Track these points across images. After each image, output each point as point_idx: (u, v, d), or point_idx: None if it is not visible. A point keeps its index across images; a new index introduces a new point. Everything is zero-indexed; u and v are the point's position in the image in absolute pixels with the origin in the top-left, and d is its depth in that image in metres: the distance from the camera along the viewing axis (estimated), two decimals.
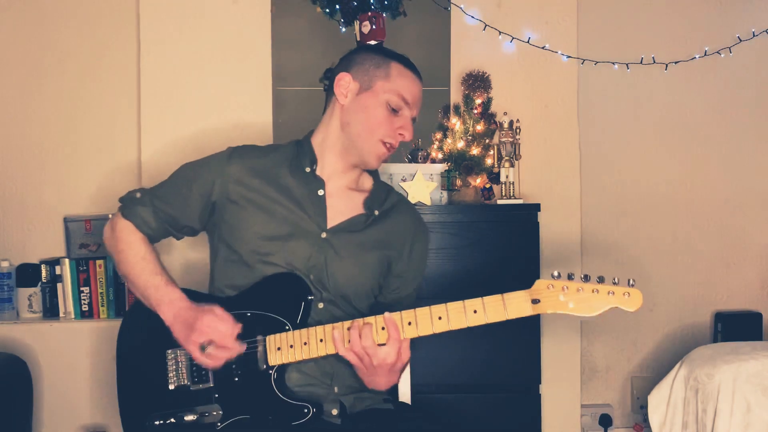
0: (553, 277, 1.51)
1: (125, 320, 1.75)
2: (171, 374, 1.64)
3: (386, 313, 1.54)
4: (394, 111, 1.71)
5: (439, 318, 1.55)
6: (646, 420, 2.96)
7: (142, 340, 1.68)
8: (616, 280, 1.51)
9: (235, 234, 1.69)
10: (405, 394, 1.97)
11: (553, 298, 1.50)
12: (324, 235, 1.70)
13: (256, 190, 1.70)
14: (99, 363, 2.71)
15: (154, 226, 1.74)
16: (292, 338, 1.59)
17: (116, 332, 2.69)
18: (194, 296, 1.70)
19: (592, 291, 1.50)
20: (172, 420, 1.60)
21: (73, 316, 2.77)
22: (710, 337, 3.20)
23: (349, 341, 1.54)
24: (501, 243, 2.55)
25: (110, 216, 1.81)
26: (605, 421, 3.10)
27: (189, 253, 2.68)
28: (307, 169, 1.74)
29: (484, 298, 1.54)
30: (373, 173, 1.84)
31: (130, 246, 1.71)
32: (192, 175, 1.74)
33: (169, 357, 1.64)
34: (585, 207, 2.97)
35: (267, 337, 1.60)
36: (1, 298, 2.75)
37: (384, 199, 1.81)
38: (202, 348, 1.57)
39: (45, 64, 2.92)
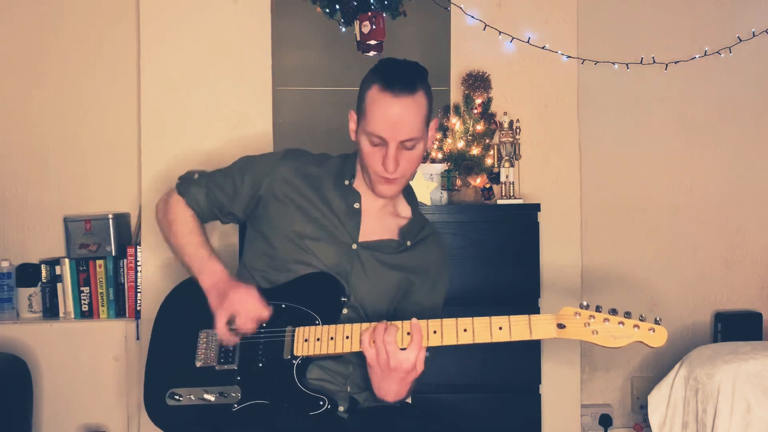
0: (581, 306, 1.53)
1: (168, 297, 1.81)
2: (200, 353, 1.69)
3: (414, 319, 1.55)
4: (378, 144, 1.67)
5: (465, 330, 1.56)
6: (646, 420, 2.96)
7: (180, 317, 1.74)
8: (643, 317, 1.52)
9: (274, 228, 1.75)
10: None
11: (579, 325, 1.52)
12: (354, 246, 1.74)
13: (300, 192, 1.75)
14: (99, 363, 2.71)
15: (204, 207, 1.82)
16: (320, 332, 1.63)
17: (116, 332, 2.72)
18: None
19: (618, 323, 1.51)
20: (192, 396, 1.65)
21: (73, 316, 2.77)
22: (710, 337, 3.20)
23: (373, 337, 1.55)
24: (501, 243, 2.55)
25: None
26: (605, 421, 3.10)
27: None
28: (346, 182, 1.78)
29: (510, 317, 1.55)
30: (412, 202, 1.86)
31: (181, 218, 1.80)
32: (247, 167, 1.81)
33: (201, 337, 1.70)
34: (585, 207, 2.97)
35: (296, 328, 1.64)
36: (1, 298, 2.75)
37: (419, 231, 1.83)
38: (229, 323, 1.64)
39: (45, 64, 2.92)
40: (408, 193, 1.86)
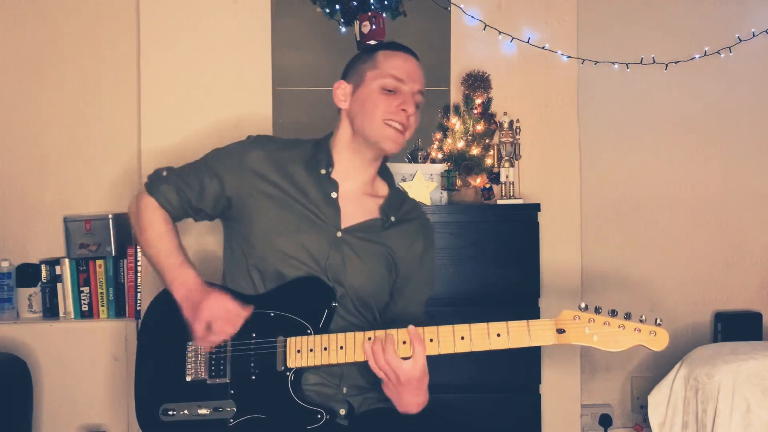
0: (580, 308, 1.50)
1: (149, 309, 1.76)
2: (189, 366, 1.65)
3: (410, 327, 1.53)
4: (391, 92, 1.71)
5: (462, 338, 1.53)
6: (646, 420, 2.96)
7: (164, 329, 1.69)
8: (643, 318, 1.50)
9: (252, 228, 1.70)
10: None
11: (579, 329, 1.49)
12: (339, 234, 1.71)
13: (274, 184, 1.71)
14: (99, 363, 2.71)
15: (176, 205, 1.76)
16: (313, 342, 1.59)
17: (116, 332, 2.72)
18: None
19: (619, 326, 1.48)
20: (186, 411, 1.61)
21: (73, 316, 2.76)
22: (710, 337, 3.20)
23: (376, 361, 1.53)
24: (501, 243, 2.55)
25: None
26: (605, 421, 3.10)
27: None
28: (323, 171, 1.74)
29: (509, 322, 1.52)
30: (389, 180, 1.84)
31: (151, 224, 1.74)
32: (214, 163, 1.75)
33: (189, 349, 1.66)
34: (585, 207, 2.97)
35: (288, 339, 1.60)
36: (1, 298, 2.75)
37: (400, 206, 1.81)
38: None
39: (45, 64, 2.92)
40: (384, 171, 1.84)
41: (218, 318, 1.58)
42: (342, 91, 1.77)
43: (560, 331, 1.50)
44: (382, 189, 1.82)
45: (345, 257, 1.69)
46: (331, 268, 1.68)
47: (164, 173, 1.78)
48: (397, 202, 1.81)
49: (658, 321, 1.49)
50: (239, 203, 1.72)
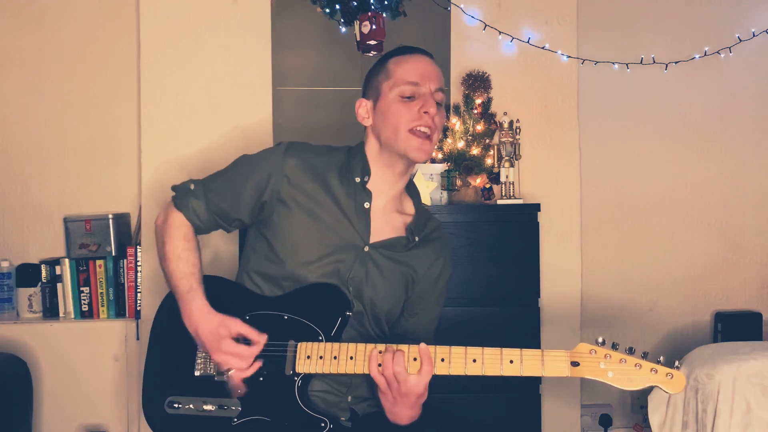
0: (597, 342, 1.48)
1: (165, 301, 1.75)
2: (199, 361, 1.65)
3: (422, 344, 1.53)
4: (410, 98, 1.69)
5: (474, 361, 1.53)
6: (646, 420, 2.96)
7: (178, 324, 1.67)
8: (661, 359, 1.47)
9: (279, 235, 1.69)
10: None
11: (594, 364, 1.47)
12: (367, 248, 1.70)
13: (306, 193, 1.69)
14: (99, 363, 2.71)
15: (205, 219, 1.74)
16: (323, 350, 1.58)
17: (116, 332, 2.72)
18: (227, 285, 1.73)
19: (635, 365, 1.46)
20: (191, 406, 1.61)
21: (73, 316, 2.77)
22: (710, 337, 3.20)
23: (380, 364, 1.53)
24: (501, 243, 2.55)
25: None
26: (605, 421, 3.10)
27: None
28: (357, 179, 1.73)
29: (523, 350, 1.52)
30: (415, 198, 1.84)
31: (172, 241, 1.71)
32: (248, 170, 1.73)
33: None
34: (585, 207, 2.97)
35: (299, 344, 1.60)
36: (1, 298, 2.75)
37: (424, 225, 1.81)
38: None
39: (46, 64, 2.92)
40: (411, 189, 1.83)
41: (231, 364, 1.58)
42: (363, 109, 1.75)
43: (575, 363, 1.48)
44: (409, 207, 1.82)
45: (368, 272, 1.69)
46: (353, 281, 1.68)
47: (192, 186, 1.75)
48: (422, 221, 1.81)
49: (677, 364, 1.46)
50: (270, 208, 1.70)
